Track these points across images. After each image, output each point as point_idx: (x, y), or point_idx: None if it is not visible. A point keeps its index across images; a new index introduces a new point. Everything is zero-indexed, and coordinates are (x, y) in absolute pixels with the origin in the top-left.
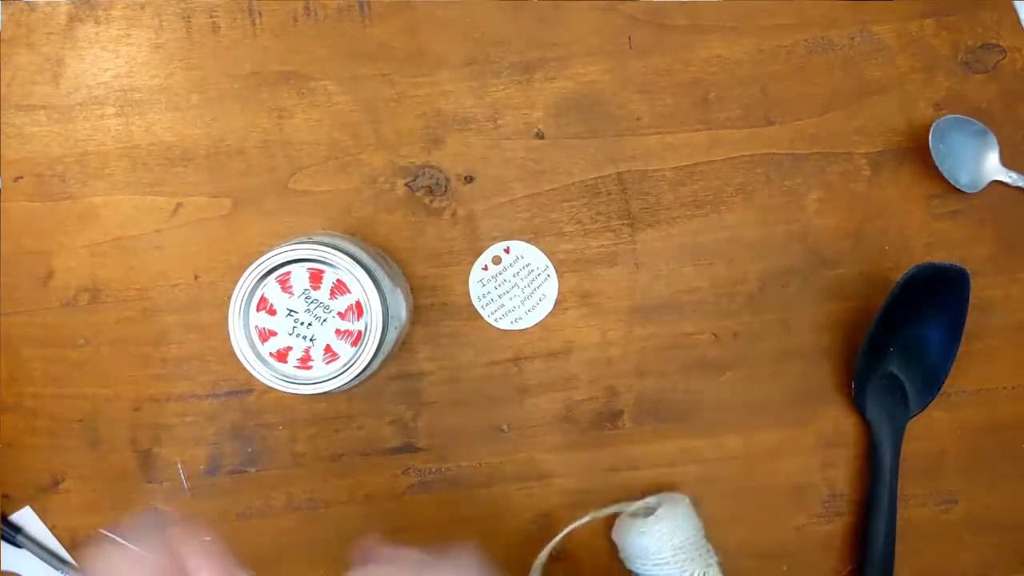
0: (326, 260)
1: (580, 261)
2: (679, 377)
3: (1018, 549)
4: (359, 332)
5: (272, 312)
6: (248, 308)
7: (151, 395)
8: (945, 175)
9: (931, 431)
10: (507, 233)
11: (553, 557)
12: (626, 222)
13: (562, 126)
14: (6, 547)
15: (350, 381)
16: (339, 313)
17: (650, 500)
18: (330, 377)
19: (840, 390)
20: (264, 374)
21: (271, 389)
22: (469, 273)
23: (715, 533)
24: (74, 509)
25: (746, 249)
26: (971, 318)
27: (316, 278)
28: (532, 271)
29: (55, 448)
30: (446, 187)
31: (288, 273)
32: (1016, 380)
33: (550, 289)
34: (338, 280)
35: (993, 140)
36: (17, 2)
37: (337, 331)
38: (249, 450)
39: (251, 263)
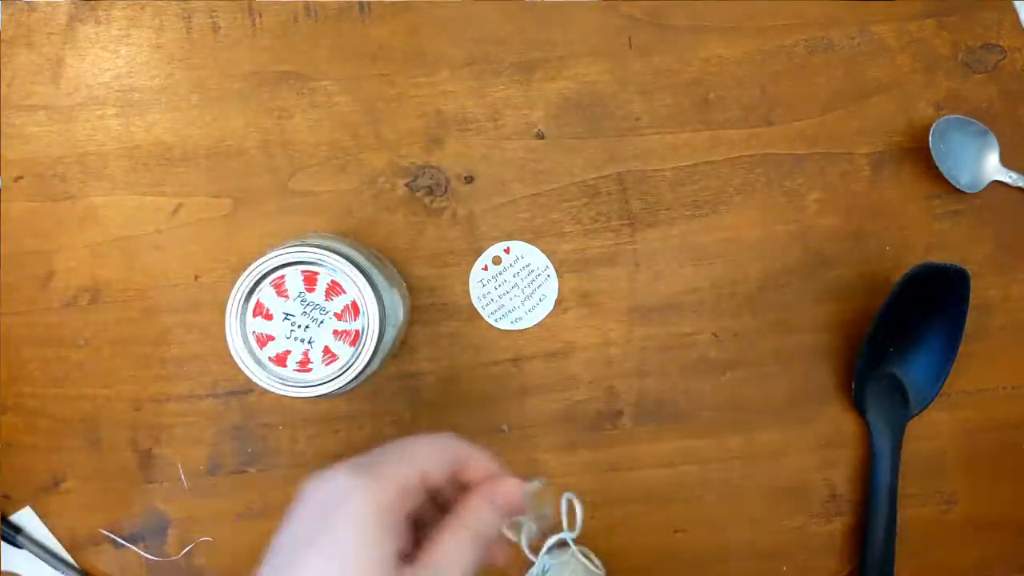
0: (319, 262)
1: (580, 261)
2: (679, 377)
3: (1018, 549)
4: (356, 332)
5: (268, 317)
6: (244, 315)
7: (151, 395)
8: (945, 175)
9: (931, 431)
10: (507, 233)
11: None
12: (626, 222)
13: (562, 126)
14: (6, 547)
15: (350, 382)
16: (335, 314)
17: (535, 571)
18: (330, 378)
19: (840, 390)
20: (264, 379)
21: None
22: (469, 273)
23: (715, 533)
24: (74, 509)
25: (746, 249)
26: (971, 318)
27: (311, 280)
28: (532, 271)
29: (55, 448)
30: (446, 187)
31: (282, 277)
32: (1016, 380)
33: (550, 289)
34: (332, 281)
35: (993, 140)
36: (17, 2)
37: (335, 332)
38: (249, 450)
39: (250, 264)
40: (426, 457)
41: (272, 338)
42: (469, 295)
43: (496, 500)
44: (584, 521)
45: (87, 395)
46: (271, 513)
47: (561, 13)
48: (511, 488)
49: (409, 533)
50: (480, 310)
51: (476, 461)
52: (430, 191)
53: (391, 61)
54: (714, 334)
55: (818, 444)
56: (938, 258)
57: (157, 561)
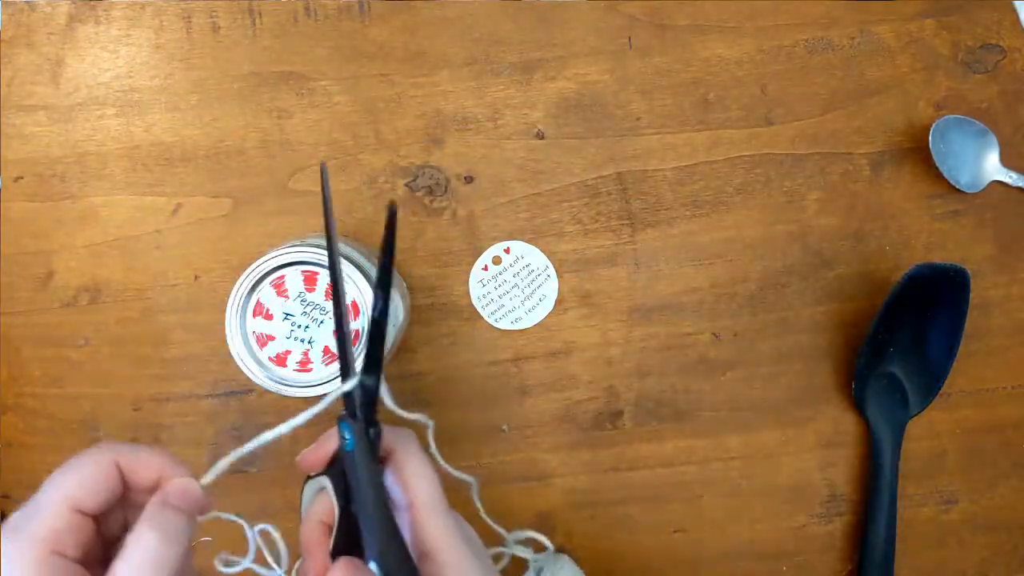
0: (320, 262)
1: (580, 261)
2: (679, 377)
3: (1018, 549)
4: (356, 331)
5: (269, 317)
6: (244, 315)
7: (151, 395)
8: (945, 175)
9: (931, 431)
10: (507, 233)
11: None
12: (626, 222)
13: (562, 126)
14: None
15: None
16: None
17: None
18: (330, 378)
19: (840, 390)
20: (264, 379)
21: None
22: (469, 273)
23: (715, 533)
24: None
25: (746, 249)
26: (971, 318)
27: (311, 280)
28: (532, 271)
29: (55, 448)
30: (446, 187)
31: (282, 277)
32: (1016, 380)
33: (550, 289)
34: None
35: (993, 140)
36: (17, 2)
37: (335, 332)
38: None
39: (250, 264)
40: (69, 486)
41: (272, 338)
42: (469, 295)
43: (170, 502)
44: (569, 533)
45: (87, 395)
46: (270, 513)
47: (561, 13)
48: (182, 487)
49: (86, 564)
50: (480, 310)
51: (142, 462)
52: (430, 191)
53: (391, 61)
54: (714, 334)
55: (818, 444)
56: (938, 258)
57: None
